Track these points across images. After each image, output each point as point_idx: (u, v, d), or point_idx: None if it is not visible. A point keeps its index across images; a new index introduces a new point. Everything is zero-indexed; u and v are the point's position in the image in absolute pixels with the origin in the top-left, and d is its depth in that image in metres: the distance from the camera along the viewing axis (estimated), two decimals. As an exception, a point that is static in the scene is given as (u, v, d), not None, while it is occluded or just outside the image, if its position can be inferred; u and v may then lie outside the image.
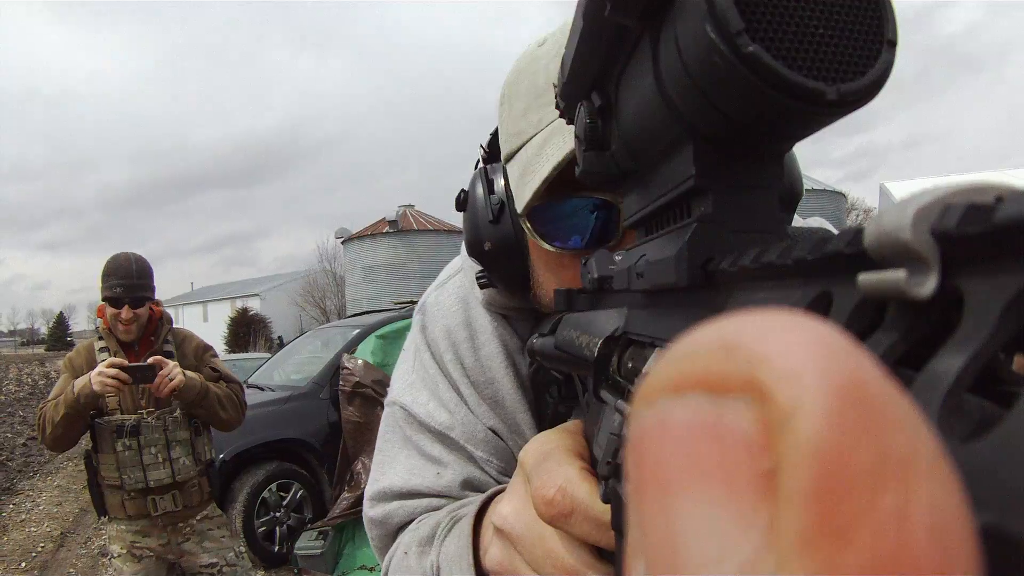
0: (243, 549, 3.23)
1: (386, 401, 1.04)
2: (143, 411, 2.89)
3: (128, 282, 2.88)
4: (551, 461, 0.53)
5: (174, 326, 3.14)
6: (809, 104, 0.26)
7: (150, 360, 2.82)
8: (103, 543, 4.08)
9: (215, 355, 3.20)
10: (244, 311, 38.39)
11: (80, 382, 2.77)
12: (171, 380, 2.80)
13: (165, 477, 2.88)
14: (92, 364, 2.87)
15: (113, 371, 2.72)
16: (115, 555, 2.95)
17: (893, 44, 0.27)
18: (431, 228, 26.91)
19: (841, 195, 29.89)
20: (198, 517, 3.05)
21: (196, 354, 3.12)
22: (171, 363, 2.84)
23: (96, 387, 2.71)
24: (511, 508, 0.58)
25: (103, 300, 2.92)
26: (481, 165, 0.91)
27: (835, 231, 0.77)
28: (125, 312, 2.88)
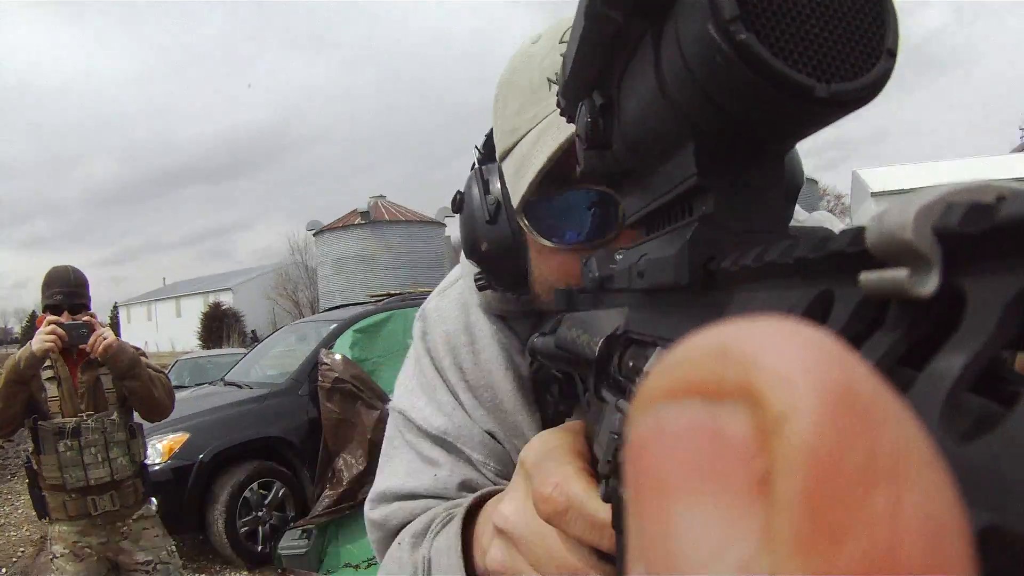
0: (174, 548, 3.48)
1: (388, 407, 1.05)
2: (83, 414, 3.11)
3: (67, 290, 3.13)
4: (551, 460, 0.53)
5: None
6: (800, 100, 0.26)
7: (84, 318, 3.08)
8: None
9: (145, 355, 3.40)
10: (216, 306, 38.09)
11: (21, 351, 3.00)
12: (105, 339, 3.05)
13: (104, 475, 3.11)
14: None
15: (51, 327, 2.96)
16: (58, 555, 3.14)
17: (893, 54, 0.28)
18: (402, 219, 26.75)
19: (813, 182, 30.16)
20: (134, 517, 3.28)
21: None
22: (104, 327, 3.13)
23: (35, 346, 2.94)
24: (512, 507, 0.58)
25: (44, 309, 3.13)
26: (476, 166, 0.90)
27: (840, 226, 0.78)
28: (65, 318, 3.08)
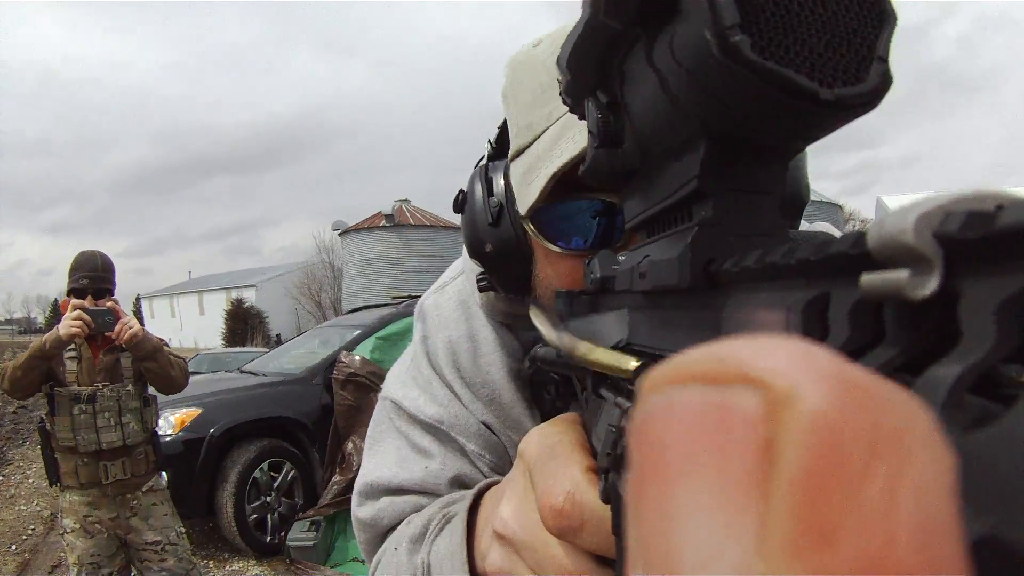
0: (183, 530, 3.51)
1: (379, 396, 1.03)
2: (99, 384, 3.19)
3: (94, 274, 3.19)
4: (556, 460, 0.51)
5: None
6: (806, 103, 0.27)
7: (107, 303, 3.16)
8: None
9: (167, 344, 3.50)
10: (239, 302, 38.21)
11: (48, 334, 3.12)
12: (130, 328, 3.14)
13: (116, 440, 3.17)
14: None
15: (77, 313, 3.05)
16: (68, 530, 3.19)
17: (884, 60, 0.28)
18: (426, 223, 26.81)
19: (838, 207, 29.88)
20: (144, 488, 3.32)
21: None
22: (128, 315, 3.23)
23: (62, 331, 3.02)
24: (511, 510, 0.56)
25: (68, 293, 3.20)
26: (482, 163, 0.88)
27: (839, 234, 0.77)
28: (89, 302, 3.14)
